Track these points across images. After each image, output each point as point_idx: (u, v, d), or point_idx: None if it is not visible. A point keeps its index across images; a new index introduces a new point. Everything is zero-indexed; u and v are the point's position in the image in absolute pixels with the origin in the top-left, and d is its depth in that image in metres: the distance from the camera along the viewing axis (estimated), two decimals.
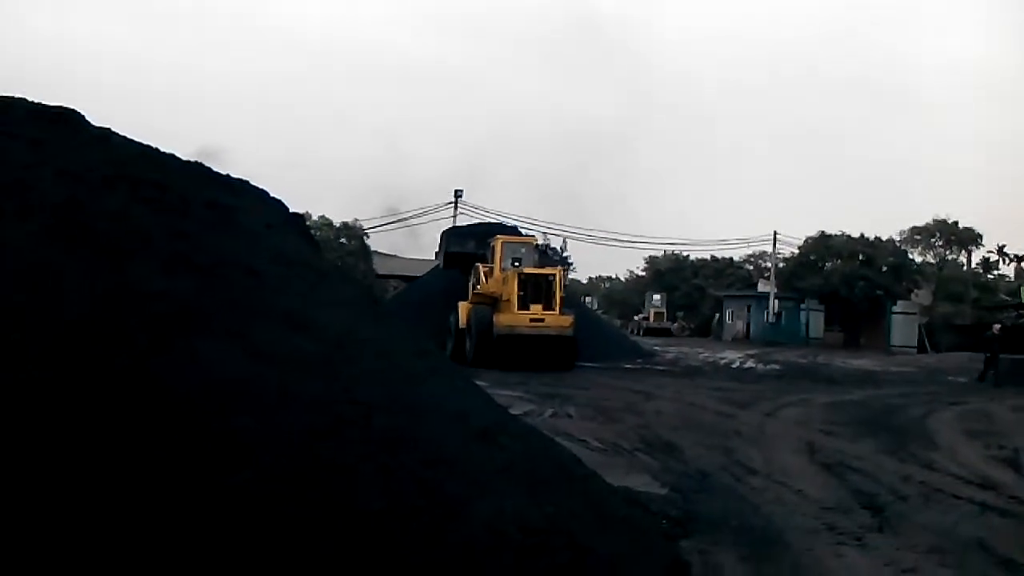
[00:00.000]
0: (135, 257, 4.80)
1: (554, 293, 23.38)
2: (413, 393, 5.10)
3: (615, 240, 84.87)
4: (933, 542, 6.53)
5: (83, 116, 5.69)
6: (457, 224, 41.71)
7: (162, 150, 5.67)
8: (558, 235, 64.28)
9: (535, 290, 23.26)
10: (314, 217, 45.72)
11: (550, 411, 13.63)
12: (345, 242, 45.37)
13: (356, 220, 47.02)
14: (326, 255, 33.60)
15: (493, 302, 24.22)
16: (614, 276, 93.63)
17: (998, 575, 5.74)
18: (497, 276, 24.67)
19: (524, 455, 5.36)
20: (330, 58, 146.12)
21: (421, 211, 48.01)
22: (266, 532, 3.63)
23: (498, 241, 25.97)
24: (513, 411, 13.19)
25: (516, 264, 24.44)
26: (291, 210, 5.93)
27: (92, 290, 4.33)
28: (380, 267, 46.45)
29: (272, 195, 5.85)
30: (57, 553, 3.18)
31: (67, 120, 5.63)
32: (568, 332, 23.21)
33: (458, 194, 43.90)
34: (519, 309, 22.93)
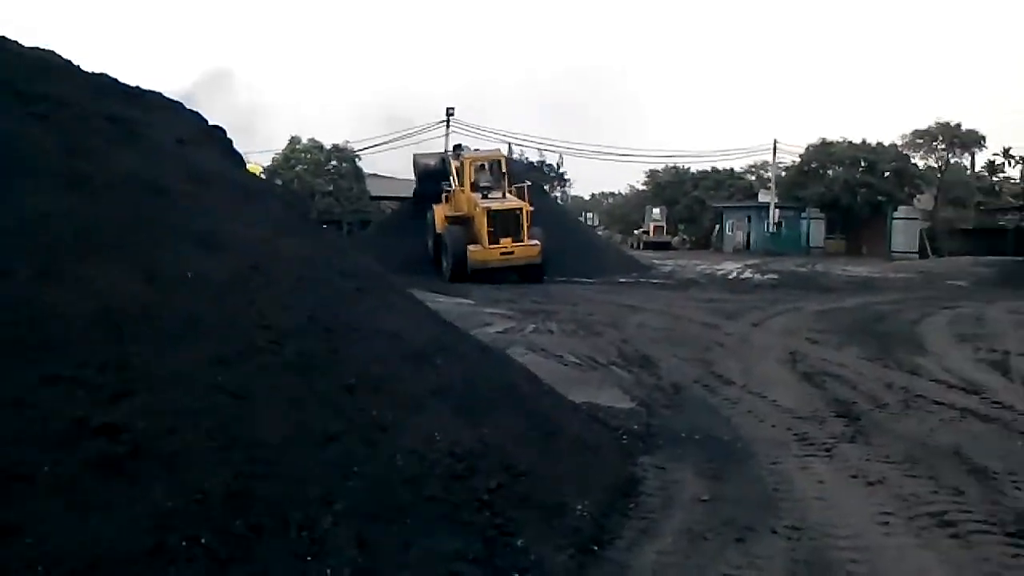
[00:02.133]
0: (24, 177, 4.41)
1: (521, 225, 24.44)
2: (337, 315, 4.76)
3: (611, 154, 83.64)
4: (906, 451, 6.27)
5: None
6: (448, 146, 40.97)
7: (63, 59, 5.21)
8: (554, 151, 63.17)
9: (503, 224, 24.32)
10: (304, 140, 44.95)
11: (531, 327, 13.33)
12: (336, 164, 44.59)
13: (347, 142, 46.16)
14: (314, 178, 33.17)
15: (464, 222, 25.20)
16: (617, 192, 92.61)
17: (968, 485, 5.45)
18: (468, 196, 25.30)
19: (464, 376, 5.06)
20: None
21: (412, 131, 47.06)
22: (150, 465, 3.34)
23: (467, 160, 26.39)
24: (492, 328, 13.03)
25: (486, 195, 25.07)
26: (210, 123, 5.50)
27: None
28: (374, 189, 45.76)
29: (188, 108, 5.41)
30: None
31: None
32: (536, 260, 24.50)
33: (450, 112, 42.82)
34: (490, 244, 24.15)
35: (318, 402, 4.15)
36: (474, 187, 25.48)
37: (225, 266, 4.56)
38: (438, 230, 26.00)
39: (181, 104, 5.42)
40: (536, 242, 24.57)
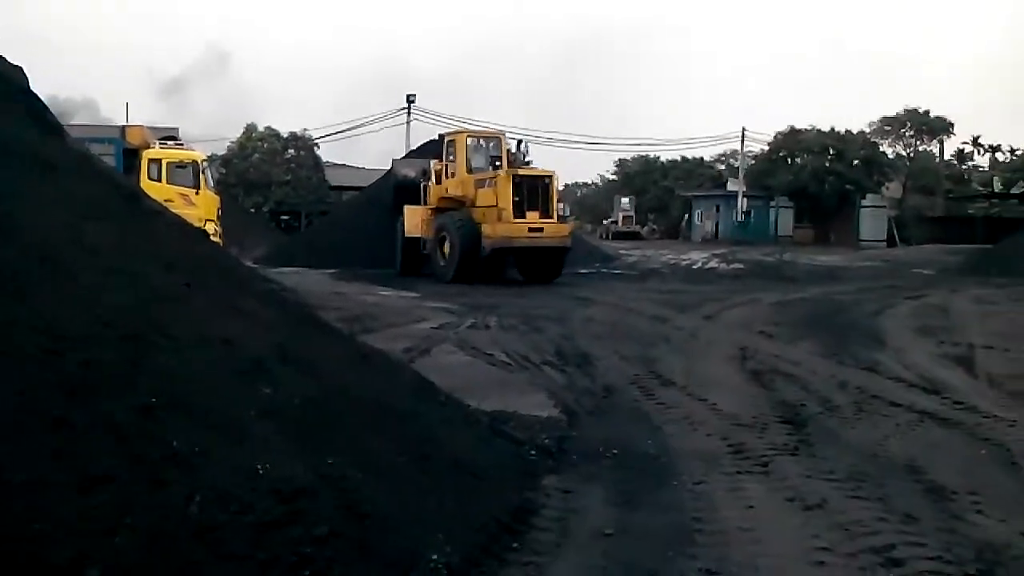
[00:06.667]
0: None
1: (551, 198, 20.50)
2: (149, 318, 3.84)
3: (580, 143, 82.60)
4: (854, 466, 5.45)
5: None
6: (410, 134, 39.95)
7: None
8: (514, 136, 62.27)
9: (531, 195, 20.22)
10: (260, 128, 43.63)
11: (469, 322, 12.45)
12: (295, 153, 43.32)
13: (305, 130, 44.84)
14: (271, 167, 31.86)
15: (460, 207, 21.45)
16: (589, 182, 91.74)
17: (922, 509, 4.64)
18: (462, 177, 21.60)
19: (314, 392, 4.16)
20: None
21: (371, 119, 45.88)
22: None
23: (461, 136, 22.76)
24: (426, 324, 12.14)
25: (496, 165, 21.01)
26: (22, 86, 4.56)
27: None
28: (333, 178, 44.59)
29: None
30: None
31: None
32: (567, 242, 20.84)
33: (410, 99, 41.68)
34: (515, 217, 19.89)
35: (95, 430, 3.24)
36: (468, 169, 21.74)
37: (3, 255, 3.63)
38: (410, 233, 22.33)
39: None
40: (566, 221, 21.14)
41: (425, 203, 22.67)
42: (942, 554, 4.00)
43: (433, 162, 23.05)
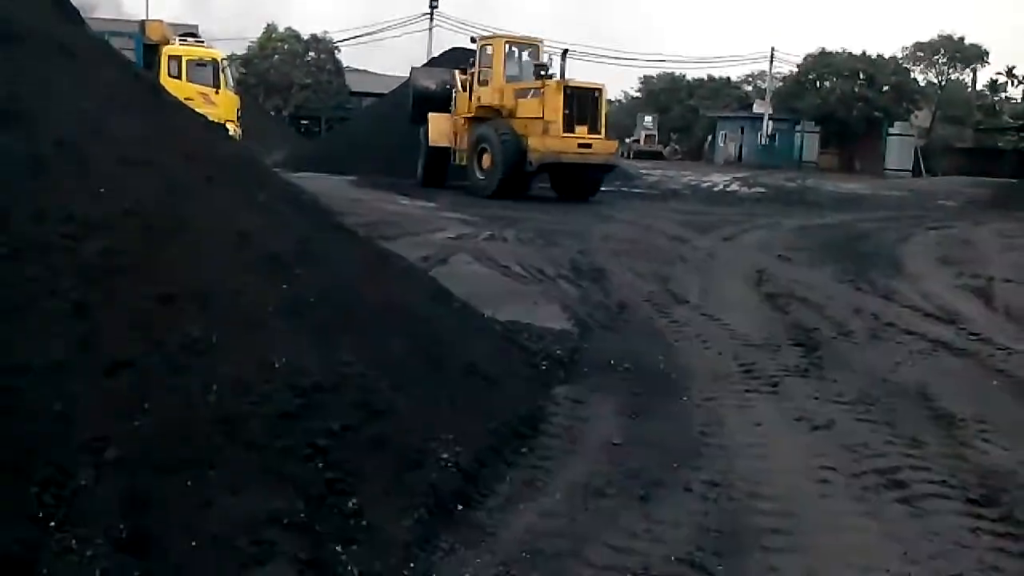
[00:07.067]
0: None
1: (600, 112, 19.40)
2: (169, 208, 3.85)
3: (608, 57, 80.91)
4: (864, 390, 5.47)
5: None
6: (432, 41, 39.19)
7: None
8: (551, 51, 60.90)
9: (580, 108, 19.05)
10: (280, 29, 42.93)
11: (486, 234, 12.42)
12: (315, 56, 42.65)
13: (326, 33, 44.06)
14: (291, 70, 31.10)
15: (495, 116, 20.13)
16: (613, 99, 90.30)
17: (929, 434, 4.68)
18: (499, 85, 20.15)
19: (332, 288, 4.18)
20: None
21: (393, 23, 44.99)
22: None
23: (499, 40, 21.03)
24: (443, 234, 12.12)
25: (541, 74, 19.56)
26: None
27: None
28: (354, 84, 43.99)
29: None
30: None
31: None
32: (614, 160, 20.20)
33: (433, 5, 40.69)
34: (565, 132, 18.78)
35: (116, 316, 3.28)
36: (504, 78, 20.27)
37: (20, 143, 3.62)
38: (436, 143, 21.18)
39: None
40: (614, 137, 20.12)
41: (453, 111, 21.56)
42: (946, 479, 4.04)
43: (457, 72, 21.96)
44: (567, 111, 18.85)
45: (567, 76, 20.01)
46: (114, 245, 3.50)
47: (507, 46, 20.93)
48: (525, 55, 21.12)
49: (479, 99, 20.59)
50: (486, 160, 19.67)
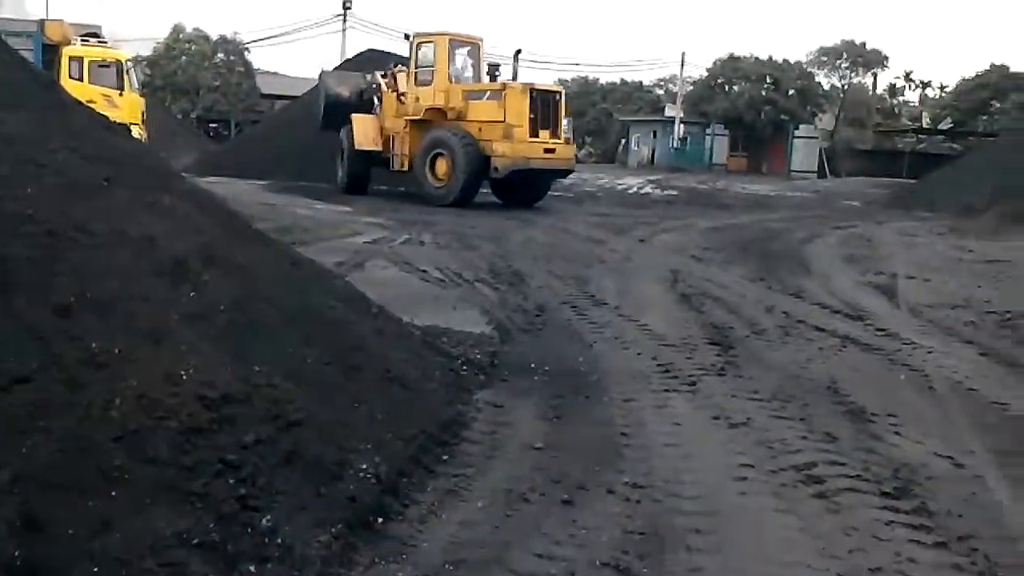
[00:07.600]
0: None
1: (560, 116, 18.68)
2: (66, 212, 3.65)
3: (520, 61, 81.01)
4: (778, 386, 5.58)
5: None
6: (345, 43, 38.69)
7: None
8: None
9: (543, 112, 18.27)
10: (188, 29, 41.81)
11: (403, 238, 12.29)
12: (224, 57, 41.66)
13: (236, 34, 43.11)
14: (199, 72, 30.22)
15: (440, 119, 19.07)
16: None
17: (842, 428, 4.77)
18: (445, 86, 19.09)
19: (241, 296, 4.03)
20: None
21: (306, 24, 44.29)
22: None
23: (442, 38, 19.54)
24: (359, 239, 11.94)
25: (495, 75, 18.90)
26: None
27: None
28: (265, 86, 43.13)
29: None
30: None
31: None
32: (571, 166, 19.53)
33: (347, 6, 40.20)
34: (531, 136, 17.98)
35: (10, 329, 3.09)
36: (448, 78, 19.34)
37: None
38: (362, 146, 19.77)
39: None
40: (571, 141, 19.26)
41: (379, 114, 20.33)
42: (861, 472, 4.12)
43: (378, 73, 20.98)
44: (532, 115, 18.10)
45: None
46: (7, 253, 3.30)
47: (452, 44, 19.69)
48: (466, 54, 20.14)
49: (418, 100, 19.40)
50: (441, 166, 18.51)
